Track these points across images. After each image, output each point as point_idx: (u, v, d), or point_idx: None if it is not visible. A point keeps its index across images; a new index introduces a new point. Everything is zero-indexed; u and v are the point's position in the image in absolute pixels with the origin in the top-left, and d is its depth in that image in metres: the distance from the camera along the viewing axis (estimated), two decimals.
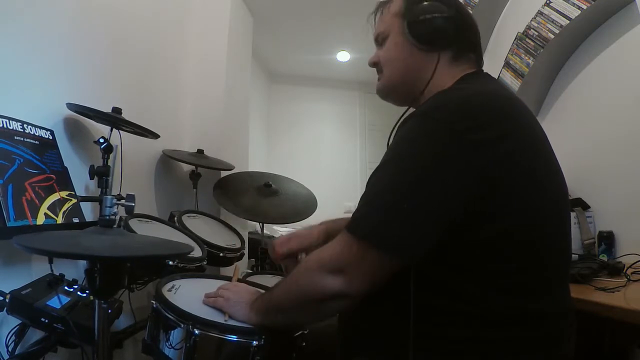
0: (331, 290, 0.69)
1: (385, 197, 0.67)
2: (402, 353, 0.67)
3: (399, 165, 0.68)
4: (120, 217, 1.38)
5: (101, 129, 1.54)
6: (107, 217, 0.86)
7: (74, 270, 1.30)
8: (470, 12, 2.03)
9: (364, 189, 0.71)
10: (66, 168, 1.26)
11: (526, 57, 1.65)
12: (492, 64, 1.98)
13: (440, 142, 0.65)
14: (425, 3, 0.81)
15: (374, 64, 0.91)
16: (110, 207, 0.89)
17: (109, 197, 0.90)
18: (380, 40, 0.90)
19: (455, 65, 0.82)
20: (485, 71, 0.86)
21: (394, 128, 0.77)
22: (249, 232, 2.70)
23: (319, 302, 0.72)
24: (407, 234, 0.65)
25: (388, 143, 0.76)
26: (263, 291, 0.89)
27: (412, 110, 0.78)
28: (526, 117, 0.74)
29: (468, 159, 0.64)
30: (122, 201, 1.35)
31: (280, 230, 3.20)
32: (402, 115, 0.81)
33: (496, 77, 1.82)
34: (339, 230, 0.97)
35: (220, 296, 0.88)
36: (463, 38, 0.82)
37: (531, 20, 1.63)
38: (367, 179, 0.72)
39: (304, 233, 1.01)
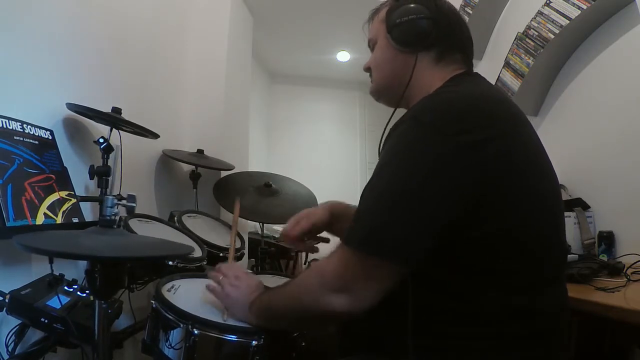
0: (336, 310, 0.68)
1: (381, 205, 0.67)
2: (402, 351, 0.67)
3: (393, 172, 0.68)
4: (120, 217, 1.38)
5: (101, 129, 1.54)
6: (108, 218, 0.86)
7: (74, 270, 1.30)
8: (470, 12, 2.05)
9: (364, 186, 0.71)
10: (66, 168, 1.26)
11: (526, 57, 1.65)
12: (492, 64, 1.98)
13: (432, 145, 0.65)
14: (404, 6, 0.82)
15: (367, 69, 0.93)
16: (111, 207, 0.89)
17: (110, 197, 0.90)
18: (371, 46, 0.92)
19: (441, 66, 0.82)
20: (475, 71, 0.85)
21: (383, 133, 0.78)
22: (249, 232, 2.70)
23: (322, 320, 0.72)
24: (405, 238, 0.64)
25: (379, 147, 0.76)
26: (263, 284, 0.89)
27: (402, 111, 0.78)
28: (516, 117, 0.74)
29: (460, 161, 0.64)
30: (123, 201, 1.35)
31: (280, 230, 3.19)
32: (389, 119, 0.81)
33: (496, 77, 1.82)
34: (344, 211, 0.97)
35: (220, 284, 0.88)
36: (446, 38, 0.82)
37: (531, 20, 1.63)
38: (362, 190, 0.71)
39: (309, 211, 1.01)
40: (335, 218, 0.99)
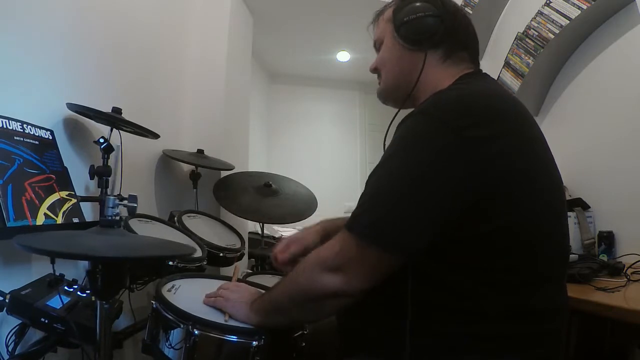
0: (330, 288, 0.69)
1: (384, 195, 0.68)
2: (400, 350, 0.68)
3: (398, 163, 0.68)
4: (120, 217, 1.37)
5: (101, 129, 1.54)
6: (110, 218, 0.86)
7: (74, 270, 1.30)
8: (470, 12, 2.05)
9: (364, 189, 0.71)
10: (66, 168, 1.26)
11: (526, 57, 1.65)
12: (492, 64, 1.98)
13: (438, 139, 0.66)
14: (411, 4, 0.82)
15: (374, 69, 0.93)
16: (112, 207, 0.89)
17: (112, 197, 0.90)
18: (377, 47, 0.92)
19: (449, 65, 0.83)
20: (484, 71, 0.86)
21: (388, 128, 0.78)
22: (249, 232, 2.70)
23: (318, 300, 0.72)
24: (405, 230, 0.65)
25: (384, 143, 0.76)
26: (263, 291, 0.90)
27: (405, 110, 0.79)
28: (523, 116, 0.74)
29: (465, 157, 0.64)
30: (125, 202, 1.35)
31: (280, 230, 3.20)
32: (395, 115, 0.82)
33: (496, 77, 1.82)
34: (336, 229, 0.98)
35: (220, 296, 0.88)
36: (452, 36, 0.82)
37: (531, 20, 1.63)
38: (367, 178, 0.72)
39: (300, 235, 1.02)
40: (330, 234, 1.00)
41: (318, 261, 0.72)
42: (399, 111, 0.86)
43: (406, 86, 0.85)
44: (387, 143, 0.75)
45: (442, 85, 0.78)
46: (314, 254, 0.76)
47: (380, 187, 0.69)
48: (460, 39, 0.84)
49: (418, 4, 0.81)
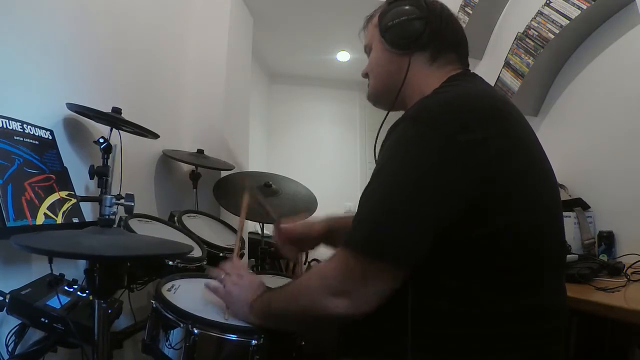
0: (337, 313, 0.69)
1: (382, 205, 0.67)
2: (401, 352, 0.67)
3: (392, 171, 0.68)
4: (120, 217, 1.38)
5: (101, 129, 1.54)
6: (107, 217, 0.86)
7: (74, 270, 1.30)
8: (470, 12, 2.05)
9: (363, 189, 0.71)
10: (66, 168, 1.26)
11: (526, 57, 1.65)
12: (492, 64, 1.98)
13: (431, 145, 0.65)
14: (396, 8, 0.82)
15: (365, 74, 0.94)
16: (109, 206, 0.89)
17: (109, 196, 0.91)
18: (368, 52, 0.93)
19: (436, 67, 0.82)
20: (472, 71, 0.85)
21: (378, 132, 0.78)
22: (249, 232, 2.70)
23: (322, 320, 0.72)
24: (407, 243, 0.65)
25: (374, 148, 0.76)
26: (265, 285, 0.89)
27: (397, 113, 0.79)
28: (513, 116, 0.73)
29: (460, 161, 0.64)
30: (122, 201, 1.35)
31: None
32: (383, 121, 0.82)
33: (496, 77, 1.82)
34: (341, 228, 0.98)
35: (223, 283, 0.89)
36: (438, 38, 0.82)
37: (531, 20, 1.63)
38: (362, 193, 0.71)
39: (307, 223, 1.04)
40: (333, 232, 1.01)
41: (322, 283, 0.71)
42: (387, 114, 0.87)
43: (394, 89, 0.85)
44: (378, 146, 0.75)
45: (431, 87, 0.78)
46: (317, 272, 0.75)
47: (376, 199, 0.68)
48: (447, 40, 0.83)
49: (403, 7, 0.82)
